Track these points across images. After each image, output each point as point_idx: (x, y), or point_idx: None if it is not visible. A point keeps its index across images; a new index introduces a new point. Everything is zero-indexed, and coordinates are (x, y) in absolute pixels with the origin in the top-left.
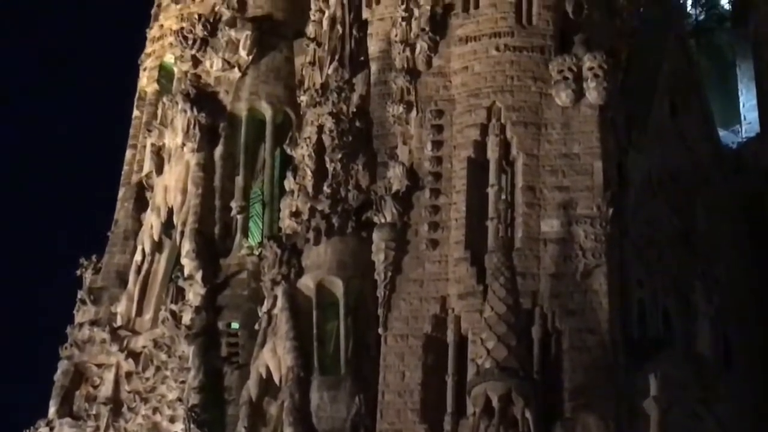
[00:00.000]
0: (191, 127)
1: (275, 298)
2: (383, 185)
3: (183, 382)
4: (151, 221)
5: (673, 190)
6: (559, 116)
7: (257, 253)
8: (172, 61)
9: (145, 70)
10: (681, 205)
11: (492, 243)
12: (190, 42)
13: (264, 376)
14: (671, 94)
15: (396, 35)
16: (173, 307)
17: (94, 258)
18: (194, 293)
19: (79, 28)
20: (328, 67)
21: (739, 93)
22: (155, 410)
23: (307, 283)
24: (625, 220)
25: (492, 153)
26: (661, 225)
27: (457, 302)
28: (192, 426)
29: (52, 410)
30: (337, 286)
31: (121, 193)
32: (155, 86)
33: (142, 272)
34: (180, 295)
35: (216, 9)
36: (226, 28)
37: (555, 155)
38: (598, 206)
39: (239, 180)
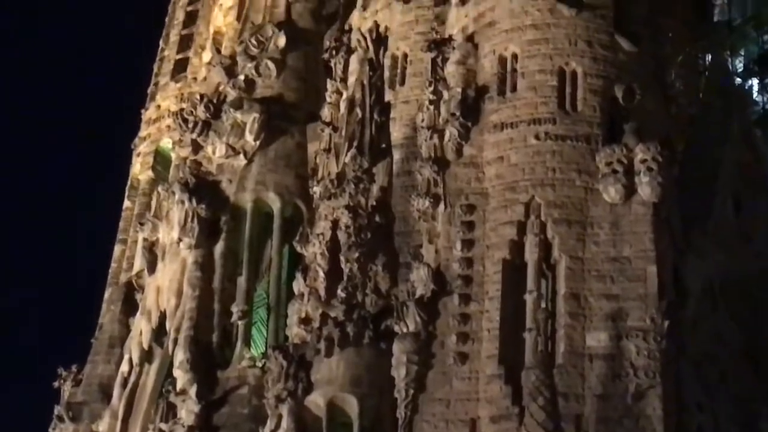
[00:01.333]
0: (189, 220)
1: (280, 417)
2: (406, 289)
3: None
4: (141, 327)
5: (738, 300)
6: (608, 214)
7: (260, 365)
8: (170, 145)
9: (138, 155)
10: (746, 318)
11: (530, 358)
12: (190, 125)
13: None
14: (735, 190)
15: (422, 120)
16: (163, 426)
17: (74, 368)
18: (187, 411)
19: (70, 111)
20: (345, 155)
21: None
22: None
23: (316, 401)
24: (682, 335)
25: (530, 255)
26: (723, 340)
27: (488, 426)
28: None
29: None
30: (351, 405)
31: (107, 294)
32: (149, 174)
33: (129, 385)
34: (171, 412)
35: (220, 89)
36: (231, 110)
37: (602, 258)
38: (651, 318)
39: (241, 281)
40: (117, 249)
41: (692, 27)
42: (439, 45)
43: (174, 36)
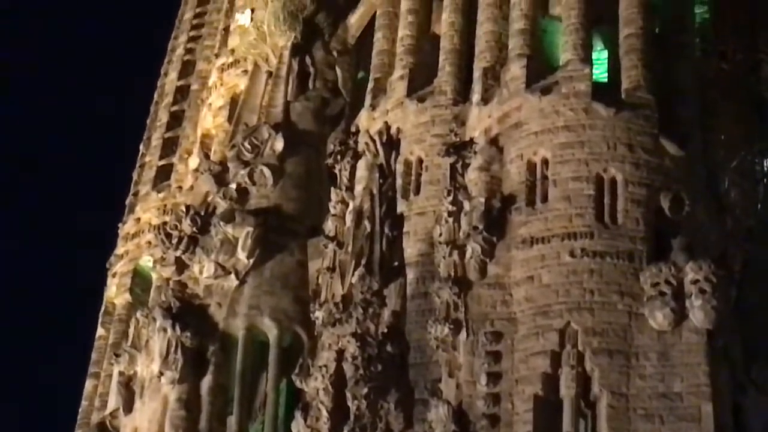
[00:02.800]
0: (172, 350)
1: None
2: (422, 430)
3: None
4: None
5: None
6: (655, 343)
7: None
8: (150, 264)
9: (114, 276)
10: None
11: None
12: (174, 240)
13: None
14: None
15: (440, 234)
16: None
17: None
18: None
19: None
20: (352, 275)
21: None
22: None
23: None
24: None
25: (567, 390)
26: None
27: None
28: None
29: None
30: None
31: None
32: (126, 297)
33: None
34: None
35: (209, 199)
36: (222, 223)
37: (650, 394)
38: None
39: (232, 421)
40: (89, 384)
41: (748, 128)
42: (458, 149)
43: (156, 140)
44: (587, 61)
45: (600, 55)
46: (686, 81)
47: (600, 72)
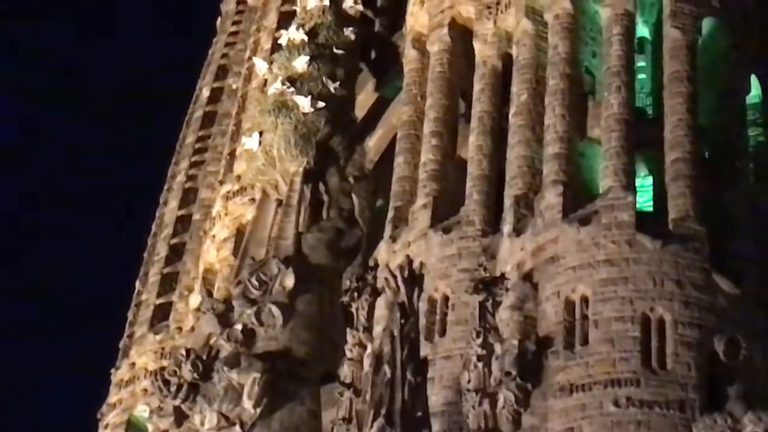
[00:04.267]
0: None
1: None
2: None
3: None
4: None
5: None
6: None
7: None
8: (146, 415)
9: (106, 427)
10: None
11: None
12: (172, 388)
13: None
14: None
15: (468, 381)
16: None
17: None
18: None
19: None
20: (371, 426)
21: None
22: None
23: None
24: None
25: None
26: None
27: None
28: None
29: None
30: None
31: None
32: None
33: None
34: None
35: (211, 342)
36: (226, 368)
37: None
38: None
39: None
40: None
41: None
42: (488, 285)
43: (154, 275)
44: (630, 188)
45: (644, 182)
46: (740, 211)
47: (644, 200)
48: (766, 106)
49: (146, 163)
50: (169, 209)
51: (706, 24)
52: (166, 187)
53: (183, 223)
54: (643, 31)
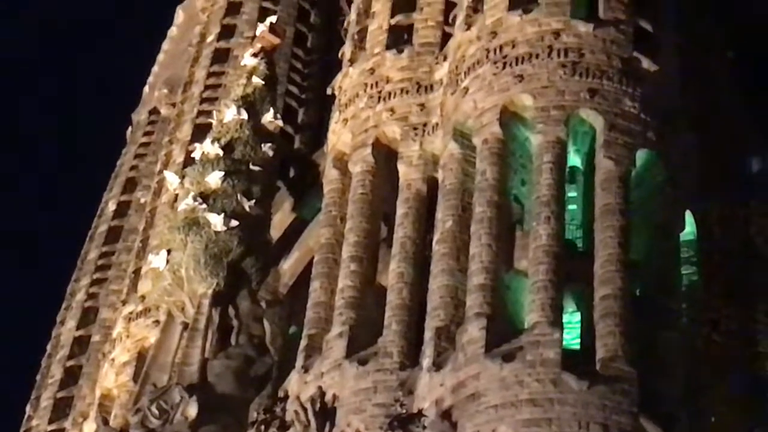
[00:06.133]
0: None
1: None
2: None
3: None
4: None
5: None
6: None
7: None
8: None
9: None
10: None
11: None
12: None
13: None
14: None
15: None
16: None
17: None
18: None
19: None
20: None
21: None
22: None
23: None
24: None
25: None
26: None
27: None
28: None
29: None
30: None
31: None
32: None
33: None
34: None
35: None
36: None
37: None
38: None
39: None
40: None
41: (743, 408)
42: (405, 422)
43: (47, 399)
44: (557, 324)
45: (571, 318)
46: (671, 352)
47: (572, 338)
48: (701, 244)
49: (45, 279)
50: (67, 329)
51: (641, 156)
52: (64, 306)
53: (81, 344)
54: (575, 160)
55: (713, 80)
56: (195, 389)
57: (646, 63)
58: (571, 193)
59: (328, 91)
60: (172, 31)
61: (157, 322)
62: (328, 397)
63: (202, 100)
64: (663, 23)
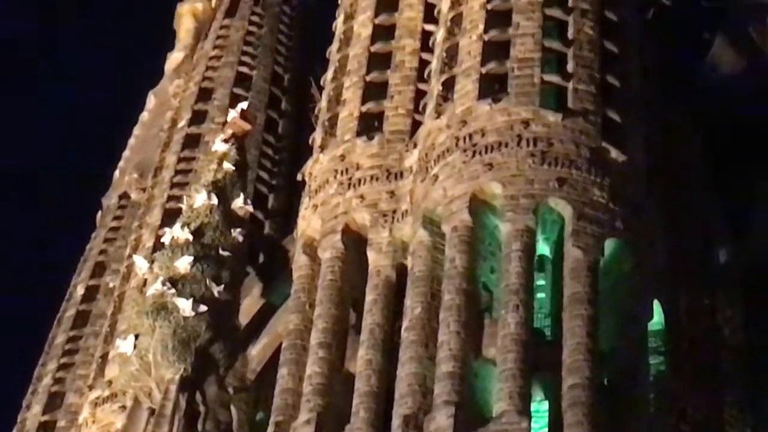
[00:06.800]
0: None
1: None
2: None
3: None
4: None
5: None
6: None
7: None
8: None
9: None
10: None
11: None
12: None
13: None
14: None
15: None
16: None
17: None
18: None
19: None
20: None
21: None
22: None
23: None
24: None
25: None
26: None
27: None
28: None
29: None
30: None
31: None
32: None
33: None
34: None
35: None
36: None
37: None
38: None
39: None
40: None
41: None
42: None
43: None
44: (525, 413)
45: (540, 407)
46: None
47: (540, 426)
48: (669, 334)
49: (11, 363)
50: (32, 414)
51: (609, 245)
52: (30, 390)
53: (46, 429)
54: (543, 248)
55: (680, 170)
56: None
57: (614, 153)
58: (540, 282)
59: (299, 177)
60: (144, 115)
61: (123, 407)
62: None
63: (173, 185)
64: (631, 114)
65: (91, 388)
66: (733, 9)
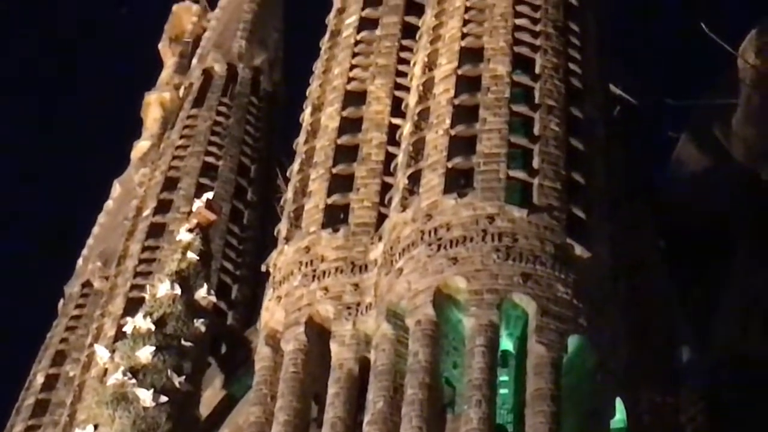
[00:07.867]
0: None
1: None
2: None
3: None
4: None
5: None
6: None
7: None
8: None
9: None
10: None
11: None
12: None
13: None
14: None
15: None
16: None
17: None
18: None
19: None
20: None
21: None
22: None
23: None
24: None
25: None
26: None
27: None
28: None
29: None
30: None
31: None
32: None
33: None
34: None
35: None
36: None
37: None
38: None
39: None
40: None
41: None
42: None
43: None
44: None
45: None
46: None
47: None
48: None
49: None
50: None
51: (572, 342)
52: None
53: None
54: (507, 344)
55: (643, 268)
56: None
57: (579, 249)
58: (503, 377)
59: (263, 268)
60: (108, 204)
61: None
62: None
63: (136, 274)
64: (596, 211)
65: None
66: (699, 109)
